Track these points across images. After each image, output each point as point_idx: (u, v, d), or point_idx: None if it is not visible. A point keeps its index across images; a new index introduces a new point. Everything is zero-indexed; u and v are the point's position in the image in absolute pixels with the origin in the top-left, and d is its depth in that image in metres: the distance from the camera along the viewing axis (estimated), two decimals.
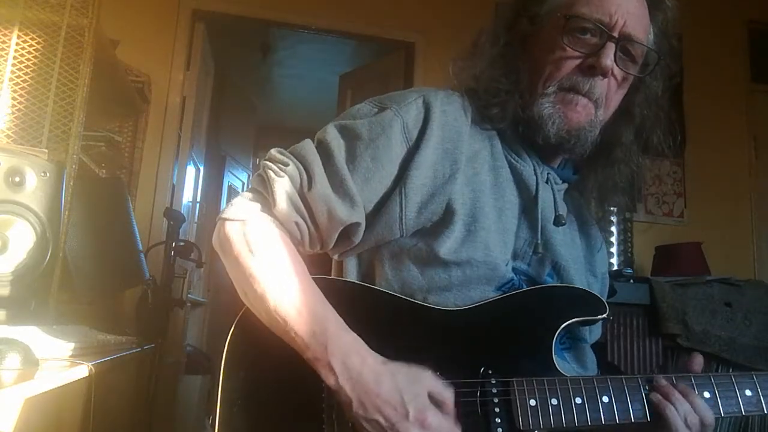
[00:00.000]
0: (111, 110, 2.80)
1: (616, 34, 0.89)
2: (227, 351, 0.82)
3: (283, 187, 0.83)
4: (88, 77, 1.68)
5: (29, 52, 1.66)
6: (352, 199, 0.84)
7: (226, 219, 0.84)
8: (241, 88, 5.35)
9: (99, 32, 1.78)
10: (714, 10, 3.39)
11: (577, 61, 0.90)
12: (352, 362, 0.76)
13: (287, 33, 4.20)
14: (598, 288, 1.03)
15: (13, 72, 1.64)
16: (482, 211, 0.88)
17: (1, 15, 1.66)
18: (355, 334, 0.79)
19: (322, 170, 0.84)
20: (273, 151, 0.88)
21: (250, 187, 0.88)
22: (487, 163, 0.92)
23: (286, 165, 0.85)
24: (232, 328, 0.83)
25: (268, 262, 0.81)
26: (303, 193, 0.84)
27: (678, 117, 3.36)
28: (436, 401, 0.76)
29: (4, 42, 1.65)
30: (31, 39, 1.67)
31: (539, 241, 0.91)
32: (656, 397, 0.81)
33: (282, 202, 0.83)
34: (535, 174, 0.94)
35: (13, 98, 1.63)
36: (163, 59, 3.12)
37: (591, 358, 0.98)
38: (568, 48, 0.90)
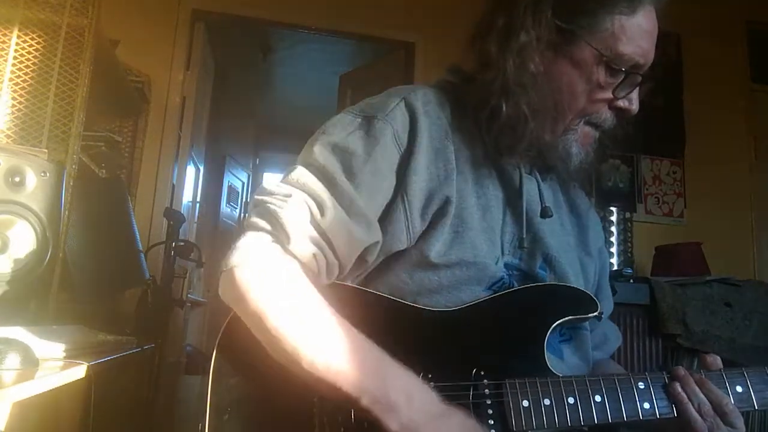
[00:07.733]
0: (111, 110, 2.80)
1: (642, 74, 0.88)
2: (215, 360, 0.79)
3: (294, 220, 0.77)
4: (88, 77, 1.68)
5: (29, 52, 1.66)
6: (367, 219, 0.81)
7: (236, 267, 0.75)
8: (241, 88, 5.35)
9: (99, 32, 1.78)
10: (713, 11, 3.39)
11: (608, 98, 0.89)
12: (417, 400, 0.72)
13: (287, 33, 4.21)
14: (595, 266, 1.02)
15: (13, 72, 1.64)
16: (467, 210, 0.87)
17: (1, 15, 1.66)
18: (408, 369, 0.75)
19: (330, 195, 0.80)
20: (268, 186, 0.81)
21: (251, 225, 0.79)
22: (469, 159, 0.91)
23: (289, 196, 0.79)
24: (219, 336, 0.80)
25: (294, 316, 0.74)
26: (317, 222, 0.78)
27: (678, 117, 3.39)
28: None
29: (4, 42, 1.65)
30: (31, 39, 1.67)
31: (524, 236, 0.91)
32: (671, 391, 0.80)
33: (297, 236, 0.77)
34: (518, 167, 0.93)
35: (13, 98, 1.63)
36: (163, 59, 3.12)
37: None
38: (604, 86, 0.87)
